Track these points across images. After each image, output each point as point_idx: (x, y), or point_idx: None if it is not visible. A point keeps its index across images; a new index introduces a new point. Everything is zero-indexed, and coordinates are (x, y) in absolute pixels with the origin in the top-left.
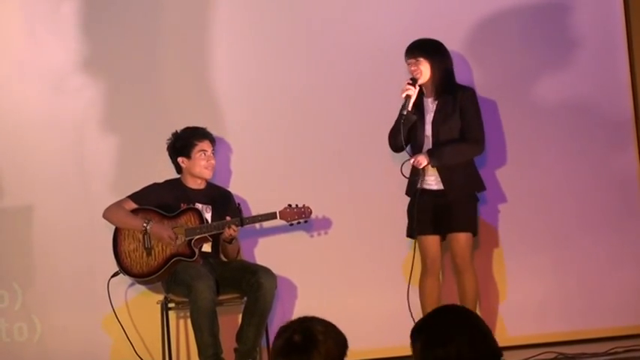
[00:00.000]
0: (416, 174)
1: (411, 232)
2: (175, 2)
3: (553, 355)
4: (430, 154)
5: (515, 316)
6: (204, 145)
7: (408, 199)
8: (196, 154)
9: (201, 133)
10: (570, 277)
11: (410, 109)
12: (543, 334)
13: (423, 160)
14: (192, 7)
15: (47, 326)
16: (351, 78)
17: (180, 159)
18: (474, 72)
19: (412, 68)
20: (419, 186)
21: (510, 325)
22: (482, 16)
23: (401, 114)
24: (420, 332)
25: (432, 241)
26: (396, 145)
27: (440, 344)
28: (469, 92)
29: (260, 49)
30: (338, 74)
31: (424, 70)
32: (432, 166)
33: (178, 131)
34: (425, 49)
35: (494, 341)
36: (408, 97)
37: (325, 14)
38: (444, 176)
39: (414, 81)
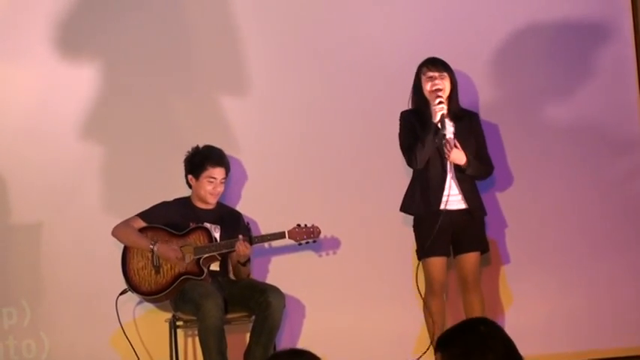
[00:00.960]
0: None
1: (429, 253)
2: (188, 19)
3: None
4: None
5: (521, 336)
6: (216, 172)
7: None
8: (204, 178)
9: (217, 158)
10: (577, 298)
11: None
12: (549, 355)
13: (461, 158)
14: (203, 24)
15: (55, 343)
16: (362, 98)
17: (190, 176)
18: (479, 93)
19: (436, 82)
20: (443, 207)
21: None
22: (490, 37)
23: (440, 135)
24: (448, 345)
25: (442, 262)
26: (420, 166)
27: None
28: (477, 116)
29: (271, 67)
30: (348, 95)
31: (446, 86)
32: (462, 167)
33: (200, 147)
34: (447, 65)
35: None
36: (443, 116)
37: (336, 33)
38: (468, 195)
39: (441, 98)
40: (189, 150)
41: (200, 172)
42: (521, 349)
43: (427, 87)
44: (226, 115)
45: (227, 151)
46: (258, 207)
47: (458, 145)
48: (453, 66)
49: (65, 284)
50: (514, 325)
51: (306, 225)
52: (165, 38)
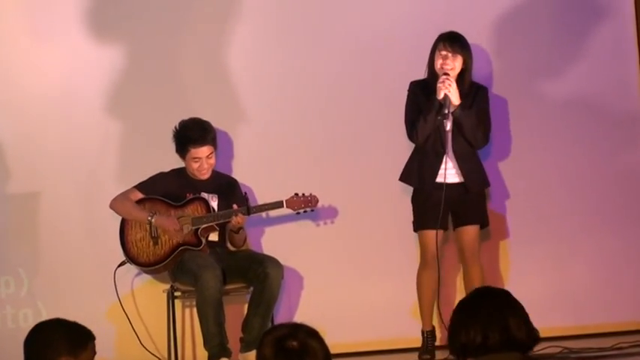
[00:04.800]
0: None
1: (422, 225)
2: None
3: (558, 350)
4: (461, 107)
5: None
6: (199, 152)
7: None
8: (189, 159)
9: (197, 137)
10: (576, 272)
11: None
12: (548, 328)
13: (454, 97)
14: (207, 3)
15: (52, 313)
16: (359, 66)
17: (178, 154)
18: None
19: (448, 61)
20: (439, 180)
21: None
22: (494, 12)
23: (443, 114)
24: (464, 312)
25: (434, 235)
26: (420, 140)
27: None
28: (484, 90)
29: (268, 40)
30: (348, 62)
31: (457, 66)
32: (454, 115)
33: (177, 127)
34: (465, 44)
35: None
36: (446, 95)
37: (333, 9)
38: (464, 169)
39: (448, 75)
40: (176, 125)
41: (185, 154)
42: None
43: (438, 64)
44: (223, 84)
45: (223, 121)
46: (255, 175)
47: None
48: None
49: (63, 255)
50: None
51: (303, 194)
52: (171, 13)
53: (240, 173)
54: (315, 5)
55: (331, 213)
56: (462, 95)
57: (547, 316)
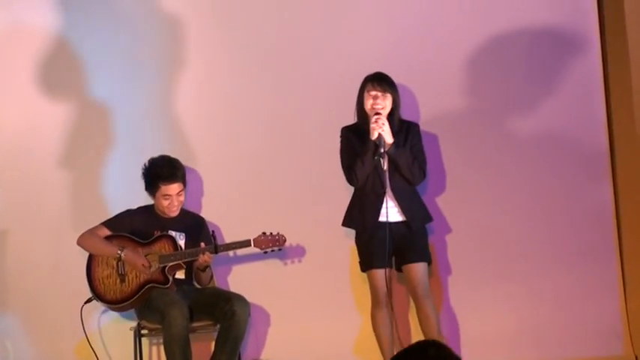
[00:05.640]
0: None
1: (369, 265)
2: (144, 34)
3: None
4: (395, 145)
5: (480, 347)
6: (170, 189)
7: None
8: (160, 196)
9: (168, 175)
10: (543, 307)
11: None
12: None
13: (387, 136)
14: (159, 36)
15: (20, 351)
16: (322, 103)
17: (147, 191)
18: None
19: (378, 101)
20: (382, 219)
21: (481, 356)
22: (457, 47)
23: (379, 154)
24: None
25: (384, 274)
26: (360, 183)
27: None
28: (415, 127)
29: (228, 75)
30: (308, 99)
31: (387, 106)
32: (388, 154)
33: (151, 162)
34: (391, 83)
35: None
36: (380, 135)
37: (293, 40)
38: (404, 206)
39: (379, 115)
40: (145, 163)
41: (155, 191)
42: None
43: (368, 104)
44: (185, 125)
45: (188, 160)
46: (223, 213)
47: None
48: (414, 76)
49: (30, 293)
50: (480, 334)
51: (271, 233)
52: (126, 50)
53: (209, 211)
54: (280, 42)
55: (299, 252)
56: (393, 133)
57: (513, 351)
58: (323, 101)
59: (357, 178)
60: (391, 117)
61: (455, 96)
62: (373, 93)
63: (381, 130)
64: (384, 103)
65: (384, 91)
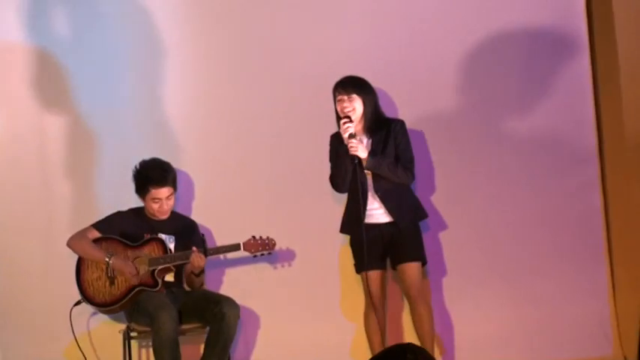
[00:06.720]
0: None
1: (361, 267)
2: (126, 39)
3: None
4: (372, 155)
5: (473, 348)
6: (160, 193)
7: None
8: (149, 200)
9: (158, 178)
10: (534, 309)
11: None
12: None
13: (360, 153)
14: (142, 41)
15: (10, 354)
16: (314, 107)
17: (137, 194)
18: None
19: (345, 105)
20: (366, 221)
21: (472, 356)
22: (462, 48)
23: (352, 157)
24: None
25: (377, 276)
26: (344, 186)
27: None
28: (400, 123)
29: (219, 79)
30: (299, 103)
31: (357, 107)
32: (366, 169)
33: (142, 165)
34: (356, 85)
35: None
36: (351, 135)
37: (285, 43)
38: (390, 207)
39: (349, 118)
40: (136, 165)
41: (144, 194)
42: None
43: (339, 109)
44: (176, 128)
45: (180, 163)
46: (213, 217)
47: (362, 141)
48: (407, 77)
49: (19, 295)
50: (467, 336)
51: (261, 237)
52: (113, 58)
53: (200, 214)
54: (271, 45)
55: (289, 256)
56: (372, 132)
57: (498, 353)
58: (314, 105)
59: (337, 185)
60: (365, 117)
61: (446, 96)
62: (339, 97)
63: (355, 152)
64: (352, 106)
65: (348, 94)
